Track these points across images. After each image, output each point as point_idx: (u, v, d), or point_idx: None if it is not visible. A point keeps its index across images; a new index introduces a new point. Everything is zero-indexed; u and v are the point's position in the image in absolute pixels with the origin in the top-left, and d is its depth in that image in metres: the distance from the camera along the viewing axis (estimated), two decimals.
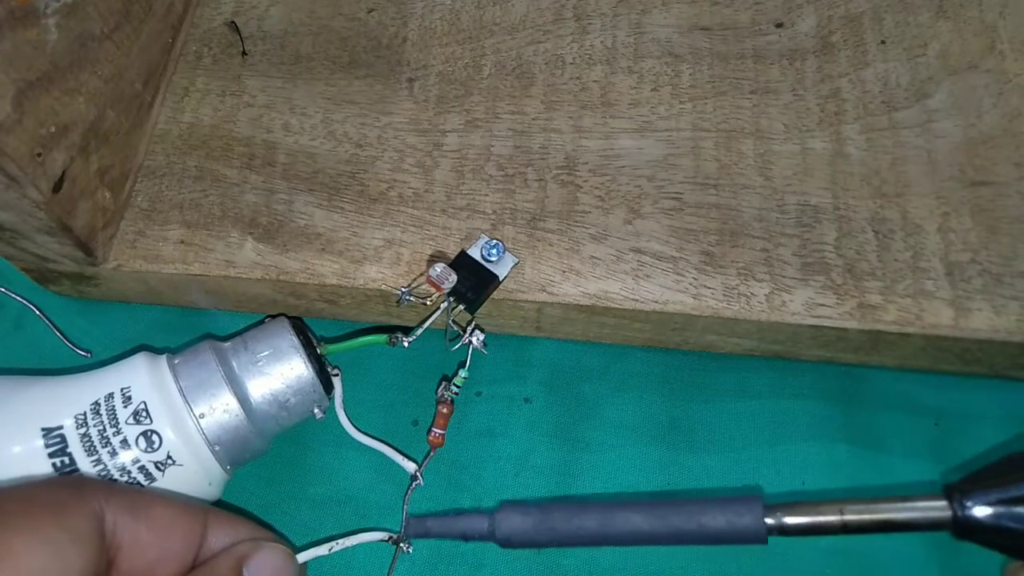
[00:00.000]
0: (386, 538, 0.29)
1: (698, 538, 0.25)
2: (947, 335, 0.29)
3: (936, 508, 0.24)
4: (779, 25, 0.35)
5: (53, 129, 0.29)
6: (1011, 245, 0.30)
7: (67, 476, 0.26)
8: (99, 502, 0.23)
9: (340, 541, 0.29)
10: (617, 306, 0.30)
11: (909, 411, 0.32)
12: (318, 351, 0.30)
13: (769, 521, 0.24)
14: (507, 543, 0.27)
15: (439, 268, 0.29)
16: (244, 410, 0.28)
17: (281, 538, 0.28)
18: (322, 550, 0.28)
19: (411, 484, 0.30)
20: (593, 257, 0.31)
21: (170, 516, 0.25)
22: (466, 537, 0.28)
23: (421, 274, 0.31)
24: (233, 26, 0.38)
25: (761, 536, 0.25)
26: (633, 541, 0.26)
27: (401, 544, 0.29)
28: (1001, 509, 0.23)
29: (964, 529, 0.24)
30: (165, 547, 0.24)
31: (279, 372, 0.29)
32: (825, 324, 0.29)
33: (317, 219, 0.33)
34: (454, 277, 0.29)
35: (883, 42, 0.34)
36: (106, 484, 0.26)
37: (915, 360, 0.31)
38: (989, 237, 0.30)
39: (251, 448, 0.29)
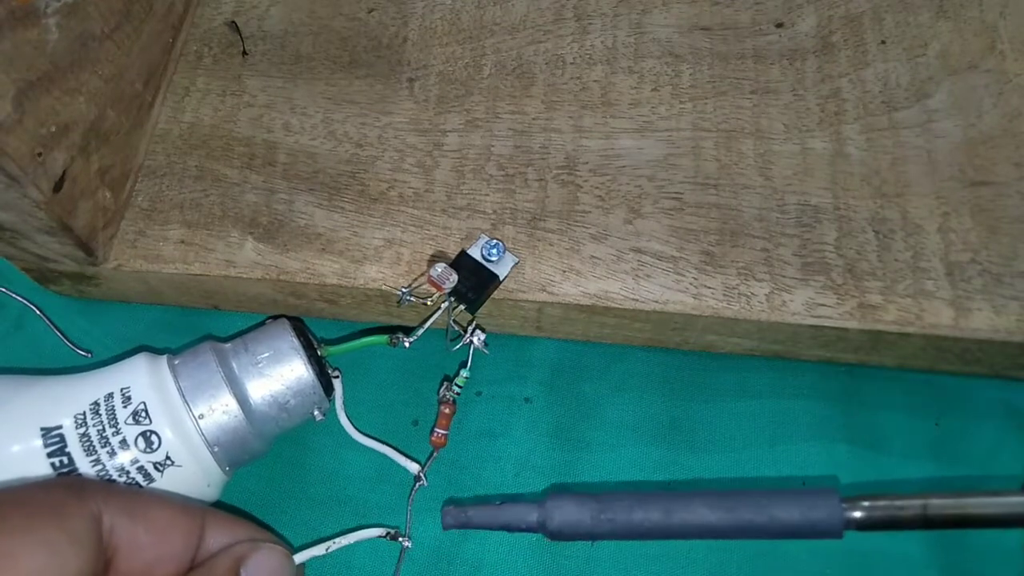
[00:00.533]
0: (384, 534, 0.29)
1: (770, 532, 0.24)
2: (947, 335, 0.29)
3: (1022, 504, 0.23)
4: (779, 25, 0.35)
5: (54, 129, 0.29)
6: (1011, 245, 0.30)
7: (65, 477, 0.26)
8: (97, 504, 0.23)
9: (337, 540, 0.29)
10: (617, 306, 0.30)
11: (909, 411, 0.32)
12: (318, 353, 0.30)
13: (851, 514, 0.23)
14: (559, 535, 0.25)
15: (440, 268, 0.29)
16: (244, 411, 0.28)
17: (279, 539, 0.28)
18: (319, 550, 0.28)
19: (415, 485, 0.30)
20: (593, 257, 0.31)
21: (168, 518, 0.25)
22: (511, 528, 0.26)
23: (422, 274, 0.31)
24: (233, 26, 0.38)
25: (837, 530, 0.24)
26: (699, 534, 0.24)
27: (400, 539, 0.29)
28: None
29: None
30: (163, 548, 0.24)
31: (279, 374, 0.29)
32: (825, 324, 0.29)
33: (317, 219, 0.33)
34: (455, 277, 0.29)
35: (883, 42, 0.34)
36: (104, 485, 0.26)
37: (915, 360, 0.31)
38: (989, 237, 0.30)
39: (250, 449, 0.29)
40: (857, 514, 0.23)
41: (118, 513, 0.24)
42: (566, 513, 0.25)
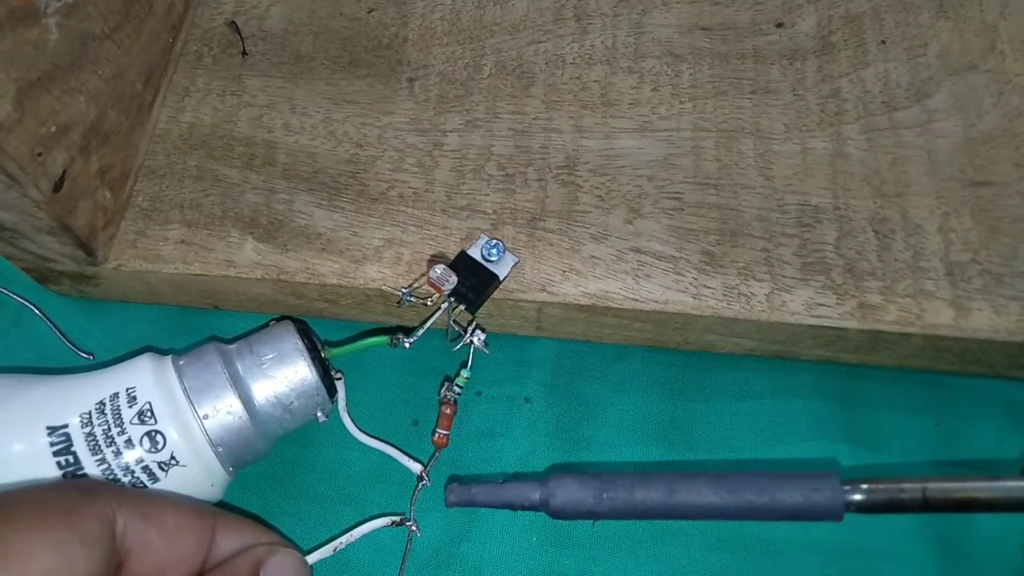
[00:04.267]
0: (390, 523, 0.29)
1: (770, 513, 0.24)
2: (947, 335, 0.29)
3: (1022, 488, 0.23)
4: (779, 25, 0.35)
5: (54, 129, 0.29)
6: (1011, 245, 0.30)
7: (78, 479, 0.26)
8: (110, 506, 0.24)
9: (344, 538, 0.29)
10: (617, 306, 0.30)
11: (909, 411, 0.32)
12: (322, 355, 0.30)
13: (852, 496, 0.23)
14: (560, 514, 0.25)
15: (439, 269, 0.29)
16: (248, 412, 0.28)
17: (285, 540, 0.28)
18: (327, 551, 0.29)
19: (418, 485, 0.30)
20: (593, 257, 0.31)
21: (180, 520, 0.25)
22: (513, 506, 0.26)
23: (422, 275, 0.31)
24: (233, 26, 0.38)
25: (838, 512, 0.24)
26: (700, 515, 0.25)
27: (408, 523, 0.29)
28: None
29: None
30: (175, 550, 0.25)
31: (283, 375, 0.29)
32: (825, 324, 0.29)
33: (317, 219, 0.33)
34: (454, 279, 0.29)
35: (883, 42, 0.34)
36: (118, 488, 0.26)
37: (915, 360, 0.31)
38: (989, 237, 0.30)
39: (253, 450, 0.29)
40: (858, 496, 0.23)
41: (131, 515, 0.24)
42: (568, 492, 0.25)
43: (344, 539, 0.29)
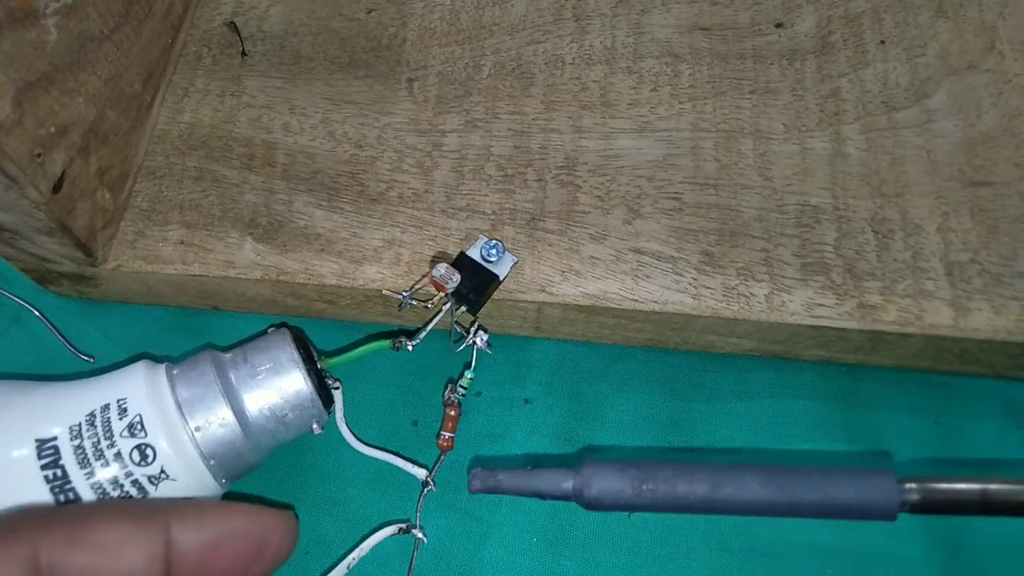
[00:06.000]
0: (397, 531, 0.29)
1: (821, 511, 0.23)
2: (947, 335, 0.29)
3: None
4: (779, 25, 0.35)
5: (53, 129, 0.29)
6: (1011, 245, 0.30)
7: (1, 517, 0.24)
8: (33, 542, 0.21)
9: (357, 551, 0.29)
10: (617, 306, 0.30)
11: (909, 411, 0.32)
12: (318, 365, 0.29)
13: (909, 496, 0.22)
14: (596, 505, 0.23)
15: (442, 268, 0.29)
16: (240, 424, 0.27)
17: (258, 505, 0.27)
18: (341, 570, 0.29)
19: (423, 490, 0.30)
20: (593, 257, 0.31)
21: (119, 535, 0.22)
22: (543, 496, 0.24)
23: (423, 276, 0.31)
24: (233, 26, 0.38)
25: (892, 512, 0.22)
26: (746, 510, 0.23)
27: (413, 531, 0.29)
28: None
29: None
30: (116, 567, 0.22)
31: (278, 386, 0.28)
32: (825, 324, 0.29)
33: (317, 219, 0.33)
34: (458, 277, 0.29)
35: (883, 42, 0.34)
36: (44, 516, 0.23)
37: (915, 360, 0.31)
38: (989, 237, 0.30)
39: (246, 463, 0.28)
40: (915, 496, 0.22)
41: (56, 544, 0.22)
42: (606, 481, 0.23)
43: (356, 554, 0.29)
